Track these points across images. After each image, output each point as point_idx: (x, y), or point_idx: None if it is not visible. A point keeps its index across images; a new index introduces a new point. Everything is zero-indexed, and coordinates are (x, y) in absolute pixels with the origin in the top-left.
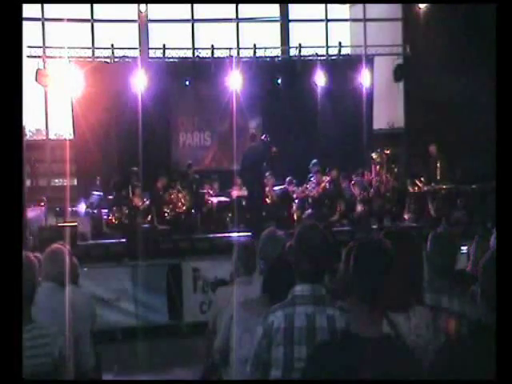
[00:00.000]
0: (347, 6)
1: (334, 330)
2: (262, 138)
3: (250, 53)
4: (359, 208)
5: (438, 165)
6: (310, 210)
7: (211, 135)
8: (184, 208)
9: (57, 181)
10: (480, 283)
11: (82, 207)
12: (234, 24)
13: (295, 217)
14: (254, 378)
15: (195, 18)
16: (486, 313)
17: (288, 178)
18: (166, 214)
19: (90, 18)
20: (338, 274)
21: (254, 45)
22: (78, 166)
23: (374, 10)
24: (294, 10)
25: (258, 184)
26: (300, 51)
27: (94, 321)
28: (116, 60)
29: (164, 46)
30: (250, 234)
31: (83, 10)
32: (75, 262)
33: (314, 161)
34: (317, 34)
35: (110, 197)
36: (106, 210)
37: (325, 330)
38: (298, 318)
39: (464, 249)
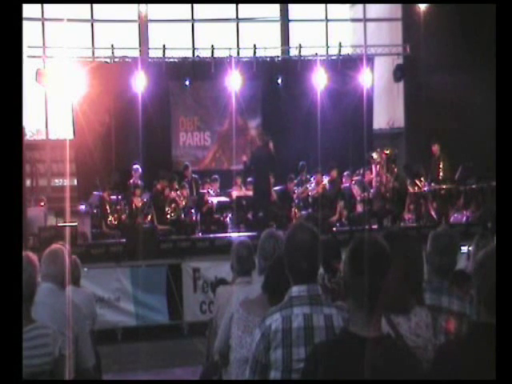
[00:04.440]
0: (347, 5)
1: (331, 329)
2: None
3: (250, 53)
4: (359, 208)
5: (441, 165)
6: (309, 210)
7: (211, 135)
8: (183, 208)
9: (57, 181)
10: (475, 281)
11: (81, 207)
12: (234, 24)
13: (295, 217)
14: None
15: (195, 18)
16: (482, 311)
17: (289, 176)
18: (167, 214)
19: (90, 18)
20: (338, 273)
21: (254, 45)
22: (77, 166)
23: (374, 10)
24: (294, 10)
25: (266, 183)
26: (300, 51)
27: (94, 321)
28: (116, 60)
29: (164, 46)
30: (255, 233)
31: (83, 10)
32: (78, 262)
33: (302, 163)
34: (317, 34)
35: (110, 197)
36: (106, 210)
37: (323, 330)
38: (295, 319)
39: (464, 249)
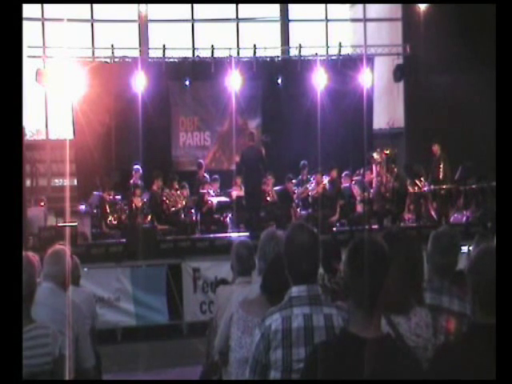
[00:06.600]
0: (347, 5)
1: (331, 329)
2: (262, 137)
3: (250, 53)
4: (359, 208)
5: (441, 165)
6: (309, 210)
7: (211, 135)
8: (182, 207)
9: (57, 181)
10: (470, 281)
11: (81, 207)
12: (234, 24)
13: (295, 217)
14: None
15: (195, 18)
16: (478, 311)
17: (287, 176)
18: (166, 214)
19: (90, 18)
20: (338, 273)
21: (254, 45)
22: (77, 166)
23: (374, 10)
24: (294, 10)
25: (256, 184)
26: (300, 51)
27: (94, 321)
28: (116, 60)
29: (164, 46)
30: (248, 233)
31: (83, 10)
32: (78, 262)
33: (303, 162)
34: (317, 34)
35: (110, 197)
36: (106, 210)
37: (322, 330)
38: (295, 319)
39: (464, 249)
